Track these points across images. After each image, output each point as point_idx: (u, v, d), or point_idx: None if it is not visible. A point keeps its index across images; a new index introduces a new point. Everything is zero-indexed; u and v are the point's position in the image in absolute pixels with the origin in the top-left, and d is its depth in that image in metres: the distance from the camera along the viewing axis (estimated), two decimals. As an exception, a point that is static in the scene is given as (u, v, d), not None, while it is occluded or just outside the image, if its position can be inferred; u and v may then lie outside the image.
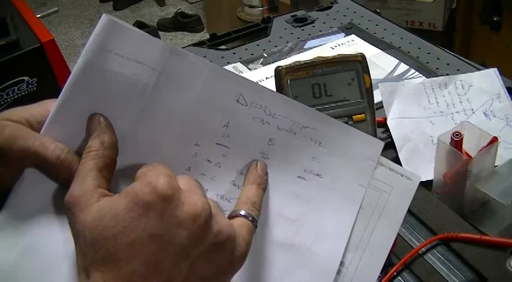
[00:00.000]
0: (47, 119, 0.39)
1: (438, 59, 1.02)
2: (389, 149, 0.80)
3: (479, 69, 0.94)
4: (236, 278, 0.38)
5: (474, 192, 0.68)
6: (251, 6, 2.62)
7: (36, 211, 0.38)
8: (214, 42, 1.16)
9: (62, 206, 0.36)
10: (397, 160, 0.78)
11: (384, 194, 0.45)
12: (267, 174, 0.43)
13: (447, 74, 0.94)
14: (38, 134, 0.38)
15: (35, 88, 1.46)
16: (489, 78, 0.88)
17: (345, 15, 1.20)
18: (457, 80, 0.89)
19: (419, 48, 1.06)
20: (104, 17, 0.38)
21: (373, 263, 0.45)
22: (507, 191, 0.67)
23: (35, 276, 0.37)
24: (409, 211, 0.46)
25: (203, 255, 0.35)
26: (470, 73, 0.90)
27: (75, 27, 3.38)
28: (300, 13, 1.23)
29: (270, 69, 0.99)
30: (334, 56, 0.70)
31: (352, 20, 1.18)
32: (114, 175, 0.38)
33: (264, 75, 0.99)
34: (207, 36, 1.29)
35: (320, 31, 1.15)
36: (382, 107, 0.86)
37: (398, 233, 0.46)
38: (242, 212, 0.40)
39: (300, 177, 0.44)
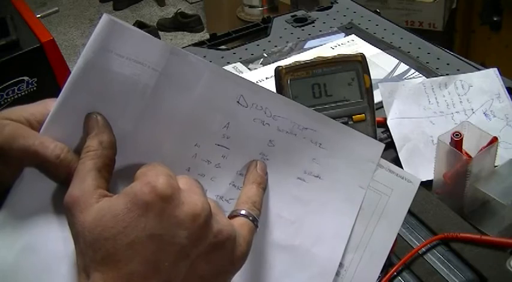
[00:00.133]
0: (46, 118, 0.39)
1: (438, 59, 1.02)
2: (390, 149, 0.80)
3: (479, 69, 0.94)
4: (236, 278, 0.38)
5: (474, 192, 0.68)
6: (251, 6, 2.62)
7: (36, 210, 0.38)
8: (214, 42, 1.15)
9: (61, 206, 0.36)
10: (397, 160, 0.78)
11: (383, 196, 0.45)
12: (266, 173, 0.43)
13: (447, 74, 0.94)
14: (37, 133, 0.38)
15: (35, 88, 1.46)
16: (489, 78, 0.88)
17: (345, 15, 1.20)
18: (457, 80, 0.89)
19: (419, 48, 1.06)
20: (105, 17, 0.38)
21: (372, 264, 0.45)
22: (507, 191, 0.67)
23: (34, 275, 0.37)
24: (409, 211, 0.46)
25: (203, 255, 0.35)
26: (470, 73, 0.90)
27: (75, 27, 3.38)
28: (300, 13, 1.23)
29: (270, 69, 0.99)
30: (334, 56, 0.70)
31: (352, 20, 1.18)
32: (114, 175, 0.38)
33: (264, 75, 0.99)
34: (207, 36, 1.29)
35: (320, 31, 1.15)
36: (382, 107, 0.86)
37: (398, 233, 0.46)
38: (243, 212, 0.40)
39: (299, 178, 0.44)
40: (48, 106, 0.39)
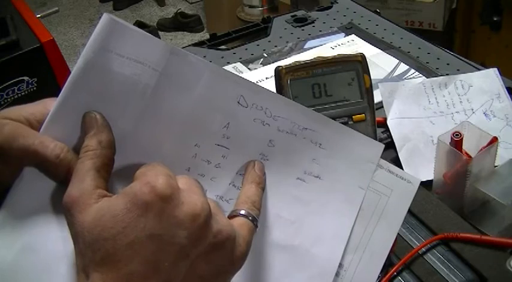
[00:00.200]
0: (46, 117, 0.39)
1: (438, 59, 1.02)
2: (390, 149, 0.80)
3: (479, 69, 0.94)
4: (236, 278, 0.38)
5: (474, 192, 0.68)
6: (251, 6, 2.62)
7: (35, 210, 0.38)
8: (214, 42, 1.15)
9: (60, 205, 0.35)
10: (397, 160, 0.78)
11: (383, 197, 0.45)
12: (264, 174, 0.43)
13: (447, 74, 0.94)
14: (37, 132, 0.38)
15: (35, 88, 1.46)
16: (489, 78, 0.88)
17: (345, 15, 1.20)
18: (457, 80, 0.89)
19: (419, 48, 1.06)
20: (105, 17, 0.38)
21: (371, 265, 0.45)
22: (507, 191, 0.67)
23: (34, 275, 0.37)
24: (409, 211, 0.46)
25: (203, 255, 0.35)
26: (470, 73, 0.90)
27: (75, 27, 3.38)
28: (300, 13, 1.23)
29: (270, 69, 0.99)
30: (334, 56, 0.70)
31: (352, 20, 1.18)
32: (113, 175, 0.38)
33: (264, 75, 0.99)
34: (207, 36, 1.29)
35: (320, 31, 1.15)
36: (382, 107, 0.86)
37: (398, 233, 0.46)
38: (242, 212, 0.40)
39: (299, 179, 0.44)
40: (48, 106, 0.39)
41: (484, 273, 0.59)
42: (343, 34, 1.12)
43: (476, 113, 0.85)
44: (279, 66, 0.68)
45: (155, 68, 0.40)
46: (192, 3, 3.49)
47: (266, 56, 1.08)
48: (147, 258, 0.32)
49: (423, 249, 0.62)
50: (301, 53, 1.06)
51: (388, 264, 0.59)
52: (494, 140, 0.68)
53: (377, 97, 0.79)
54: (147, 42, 0.39)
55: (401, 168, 0.75)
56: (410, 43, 1.07)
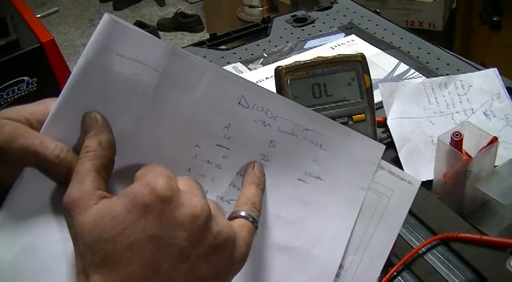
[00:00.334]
0: (46, 118, 0.39)
1: (438, 59, 1.02)
2: (390, 149, 0.80)
3: (479, 69, 0.94)
4: (236, 279, 0.38)
5: (474, 192, 0.68)
6: (251, 6, 2.62)
7: (35, 210, 0.38)
8: (214, 42, 1.15)
9: (60, 206, 0.35)
10: (397, 160, 0.78)
11: (384, 198, 0.45)
12: (264, 175, 0.43)
13: (447, 74, 0.94)
14: (37, 133, 0.38)
15: (35, 88, 1.46)
16: (489, 78, 0.88)
17: (345, 15, 1.20)
18: (457, 80, 0.88)
19: (419, 48, 1.06)
20: (106, 17, 0.38)
21: (372, 266, 0.45)
22: (507, 191, 0.67)
23: (34, 275, 0.37)
24: (409, 211, 0.46)
25: (203, 256, 0.34)
26: (470, 73, 0.90)
27: (75, 27, 3.38)
28: (300, 13, 1.23)
29: (270, 69, 0.99)
30: (334, 56, 0.70)
31: (352, 20, 1.18)
32: (113, 176, 0.38)
33: (264, 75, 0.99)
34: (207, 36, 1.29)
35: (320, 31, 1.15)
36: (382, 107, 0.86)
37: (398, 233, 0.46)
38: (242, 213, 0.39)
39: (300, 179, 0.44)
40: (48, 106, 0.39)
41: (484, 273, 0.59)
42: (343, 34, 1.12)
43: (476, 113, 0.85)
44: (279, 66, 0.68)
45: (156, 68, 0.40)
46: (192, 3, 3.49)
47: (266, 56, 1.08)
48: (146, 259, 0.32)
49: (423, 249, 0.62)
50: (301, 53, 1.06)
51: (388, 264, 0.59)
52: (494, 140, 0.68)
53: (377, 97, 0.79)
54: (147, 42, 0.39)
55: (401, 168, 0.76)
56: (410, 43, 1.07)
